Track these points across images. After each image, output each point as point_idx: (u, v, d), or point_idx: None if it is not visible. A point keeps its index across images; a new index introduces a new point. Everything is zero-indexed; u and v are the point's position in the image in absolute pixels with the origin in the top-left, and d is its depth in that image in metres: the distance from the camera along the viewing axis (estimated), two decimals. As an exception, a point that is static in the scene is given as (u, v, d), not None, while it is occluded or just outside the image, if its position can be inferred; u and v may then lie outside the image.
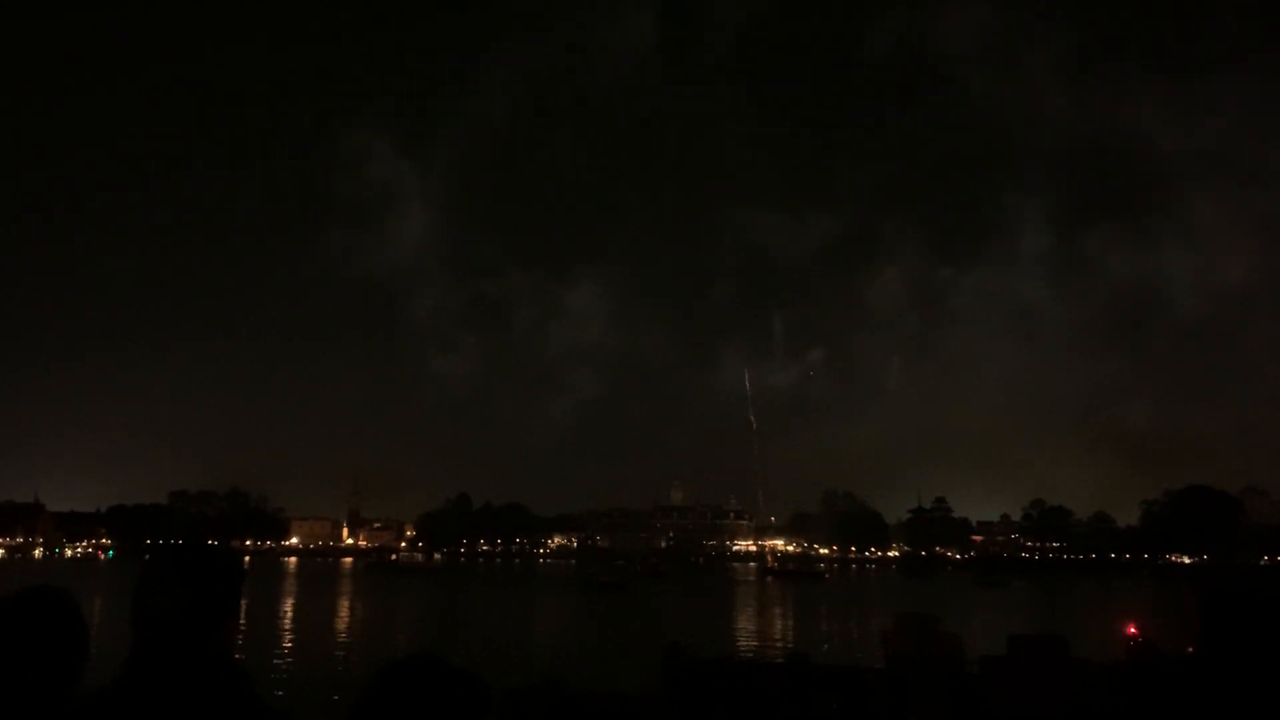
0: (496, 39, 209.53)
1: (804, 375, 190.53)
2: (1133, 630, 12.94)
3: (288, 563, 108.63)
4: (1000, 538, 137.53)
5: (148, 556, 1.67)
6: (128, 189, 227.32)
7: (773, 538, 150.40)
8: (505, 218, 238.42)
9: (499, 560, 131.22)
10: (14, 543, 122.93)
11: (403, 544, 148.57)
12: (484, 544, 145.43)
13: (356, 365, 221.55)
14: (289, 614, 37.62)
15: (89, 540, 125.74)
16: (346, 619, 36.75)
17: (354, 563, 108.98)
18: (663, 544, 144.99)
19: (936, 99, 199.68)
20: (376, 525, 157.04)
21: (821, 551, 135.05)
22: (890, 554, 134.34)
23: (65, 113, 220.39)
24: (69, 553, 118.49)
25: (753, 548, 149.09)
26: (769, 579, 78.38)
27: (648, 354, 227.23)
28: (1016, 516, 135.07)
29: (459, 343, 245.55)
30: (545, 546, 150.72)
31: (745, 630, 32.14)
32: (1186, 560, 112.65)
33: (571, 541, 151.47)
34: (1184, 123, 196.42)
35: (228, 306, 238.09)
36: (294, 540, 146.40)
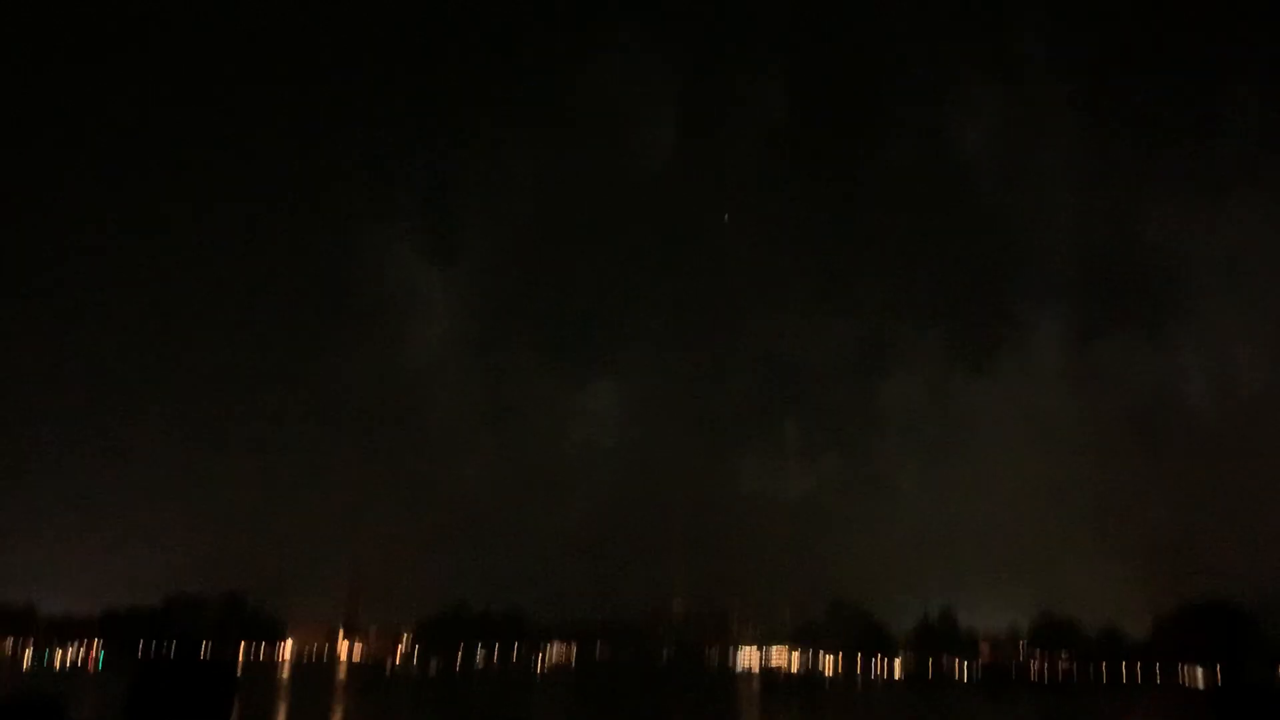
0: (520, 141, 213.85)
1: (816, 481, 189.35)
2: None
3: (282, 669, 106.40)
4: (1008, 649, 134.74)
5: (138, 671, 1.63)
6: (133, 285, 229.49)
7: (778, 648, 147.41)
8: (523, 318, 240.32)
9: (497, 668, 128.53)
10: (4, 653, 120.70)
11: (400, 649, 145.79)
12: (482, 650, 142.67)
13: (361, 464, 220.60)
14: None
15: (81, 643, 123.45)
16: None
17: (349, 670, 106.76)
18: (664, 654, 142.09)
19: (953, 206, 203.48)
20: (373, 630, 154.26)
21: (827, 659, 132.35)
22: (897, 664, 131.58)
23: (70, 203, 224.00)
24: (59, 660, 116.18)
25: (756, 659, 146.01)
26: (774, 693, 76.62)
27: (659, 458, 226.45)
28: (1025, 626, 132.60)
29: (468, 443, 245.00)
30: (544, 654, 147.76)
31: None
32: (1200, 676, 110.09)
33: (570, 653, 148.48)
34: (1198, 232, 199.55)
35: (232, 405, 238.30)
36: (289, 645, 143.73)
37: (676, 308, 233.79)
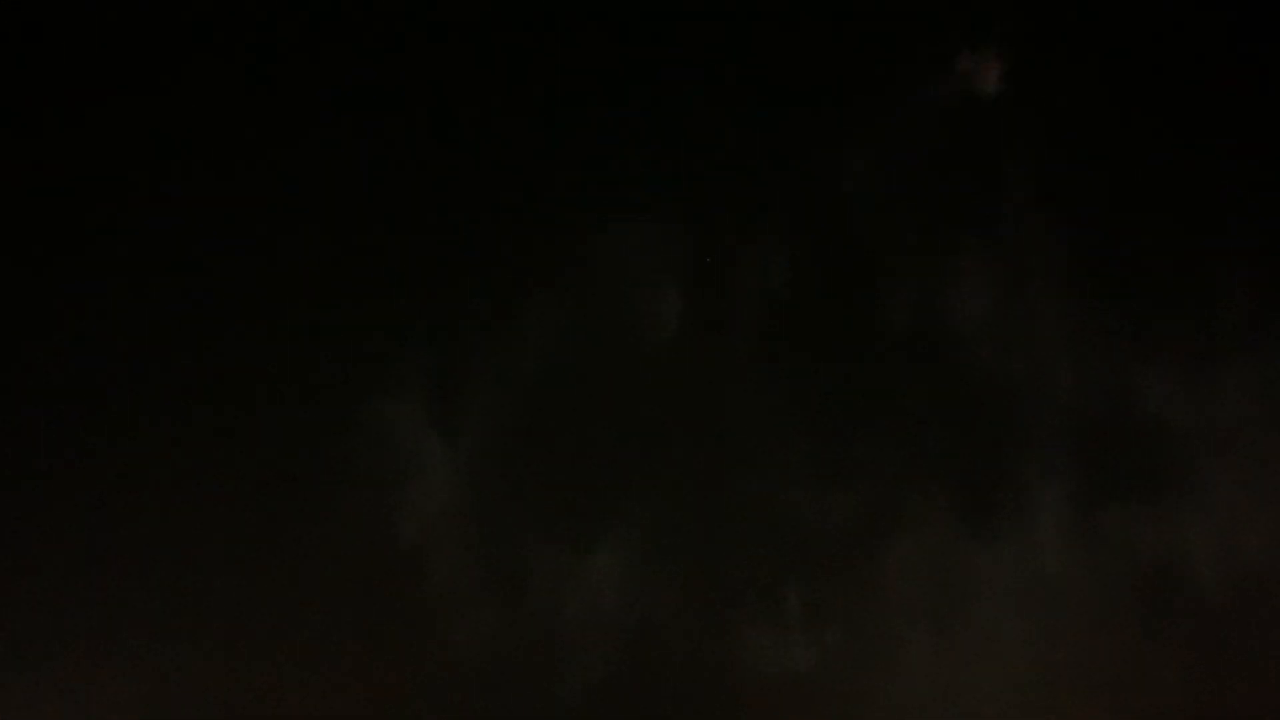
0: (526, 308, 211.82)
1: (818, 654, 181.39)
2: None
3: None
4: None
5: None
6: (119, 495, 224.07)
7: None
8: (524, 486, 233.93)
9: None
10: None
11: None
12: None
13: (346, 636, 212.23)
14: None
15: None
16: None
17: None
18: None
19: (950, 373, 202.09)
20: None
21: None
22: None
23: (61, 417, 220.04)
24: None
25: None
26: None
27: (657, 630, 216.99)
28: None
29: (461, 615, 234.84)
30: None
31: None
32: None
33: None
34: (1195, 403, 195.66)
35: (222, 577, 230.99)
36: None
37: (679, 476, 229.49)
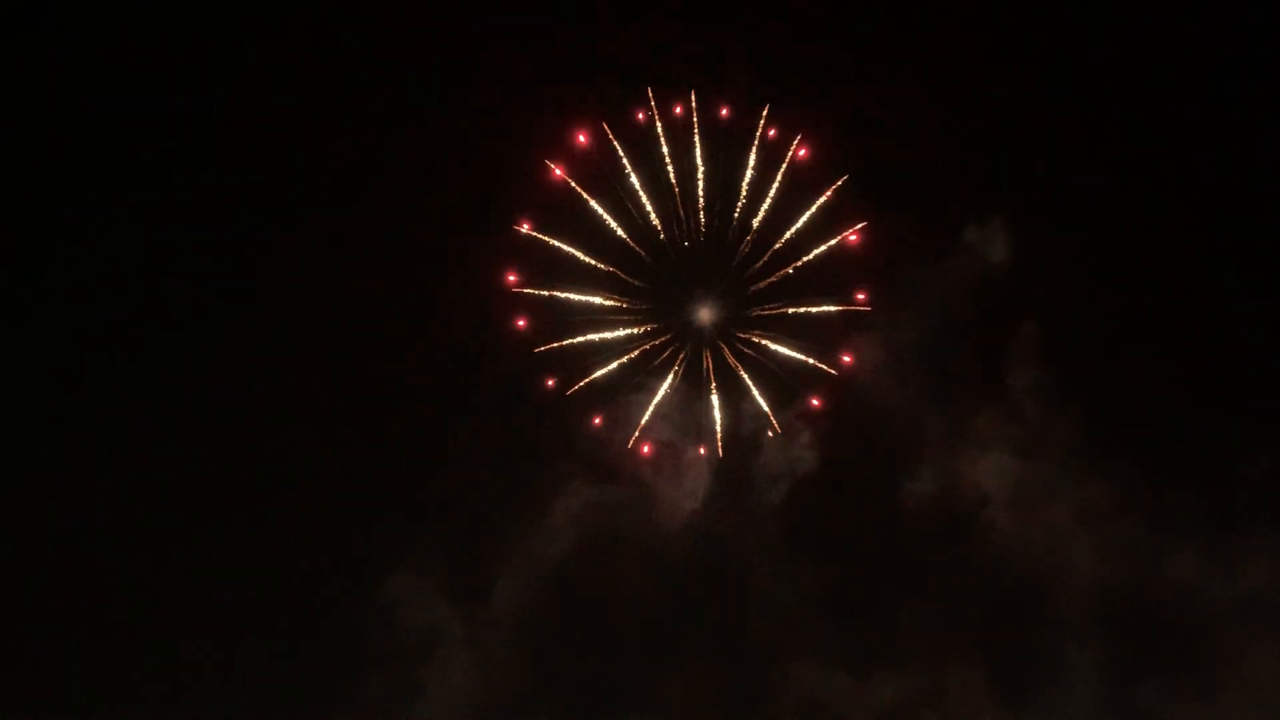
0: (553, 487, 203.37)
1: None
2: None
3: None
4: None
5: None
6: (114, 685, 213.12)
7: None
8: (546, 671, 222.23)
9: None
10: None
11: None
12: None
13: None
14: None
15: None
16: None
17: None
18: None
19: (975, 549, 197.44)
20: None
21: None
22: None
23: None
24: None
25: None
26: None
27: None
28: None
29: None
30: None
31: None
32: None
33: None
34: (1219, 571, 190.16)
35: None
36: None
37: (705, 662, 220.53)
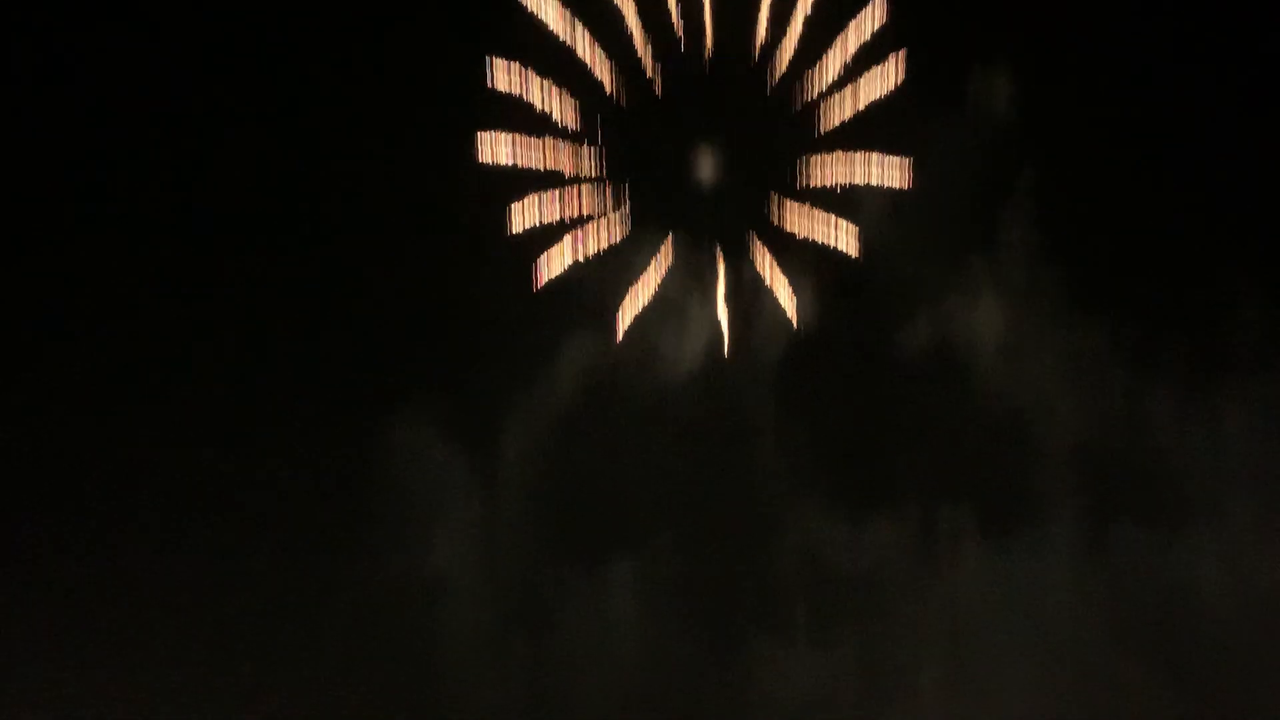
0: (562, 333, 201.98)
1: (825, 675, 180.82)
2: None
3: None
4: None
5: None
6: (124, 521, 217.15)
7: None
8: (550, 514, 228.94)
9: None
10: None
11: None
12: None
13: (381, 661, 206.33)
14: None
15: None
16: None
17: None
18: None
19: (964, 397, 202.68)
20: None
21: None
22: None
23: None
24: None
25: None
26: None
27: (672, 654, 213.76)
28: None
29: (488, 638, 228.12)
30: None
31: None
32: None
33: None
34: (1202, 420, 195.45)
35: (247, 604, 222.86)
36: None
37: (702, 504, 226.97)
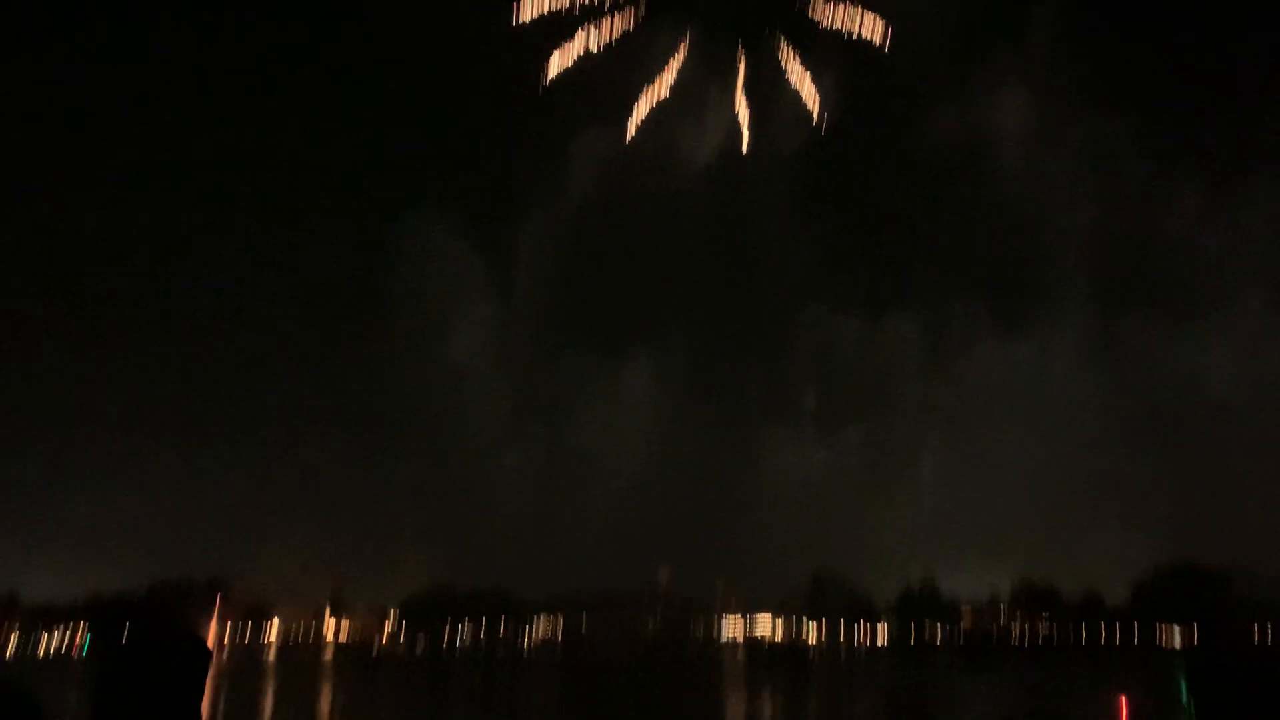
0: (571, 129, 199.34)
1: (830, 454, 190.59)
2: (1125, 700, 12.76)
3: (268, 651, 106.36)
4: (989, 616, 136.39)
5: (109, 649, 1.63)
6: (137, 267, 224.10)
7: (761, 619, 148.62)
8: (566, 303, 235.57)
9: (483, 645, 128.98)
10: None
11: (385, 630, 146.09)
12: (468, 627, 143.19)
13: (344, 454, 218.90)
14: (267, 707, 36.70)
15: (65, 630, 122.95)
16: (326, 713, 35.88)
17: (334, 655, 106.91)
18: (650, 628, 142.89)
19: (983, 183, 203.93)
20: (358, 612, 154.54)
21: (810, 631, 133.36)
22: (880, 634, 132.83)
23: (78, 171, 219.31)
24: (43, 648, 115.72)
25: (741, 631, 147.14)
26: (758, 664, 77.29)
27: (684, 439, 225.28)
28: (1005, 593, 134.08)
29: (505, 427, 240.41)
30: (530, 632, 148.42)
31: (735, 717, 31.54)
32: (1178, 636, 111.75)
33: (557, 626, 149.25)
34: (1221, 216, 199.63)
35: (234, 391, 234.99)
36: (274, 630, 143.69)
37: (715, 294, 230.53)
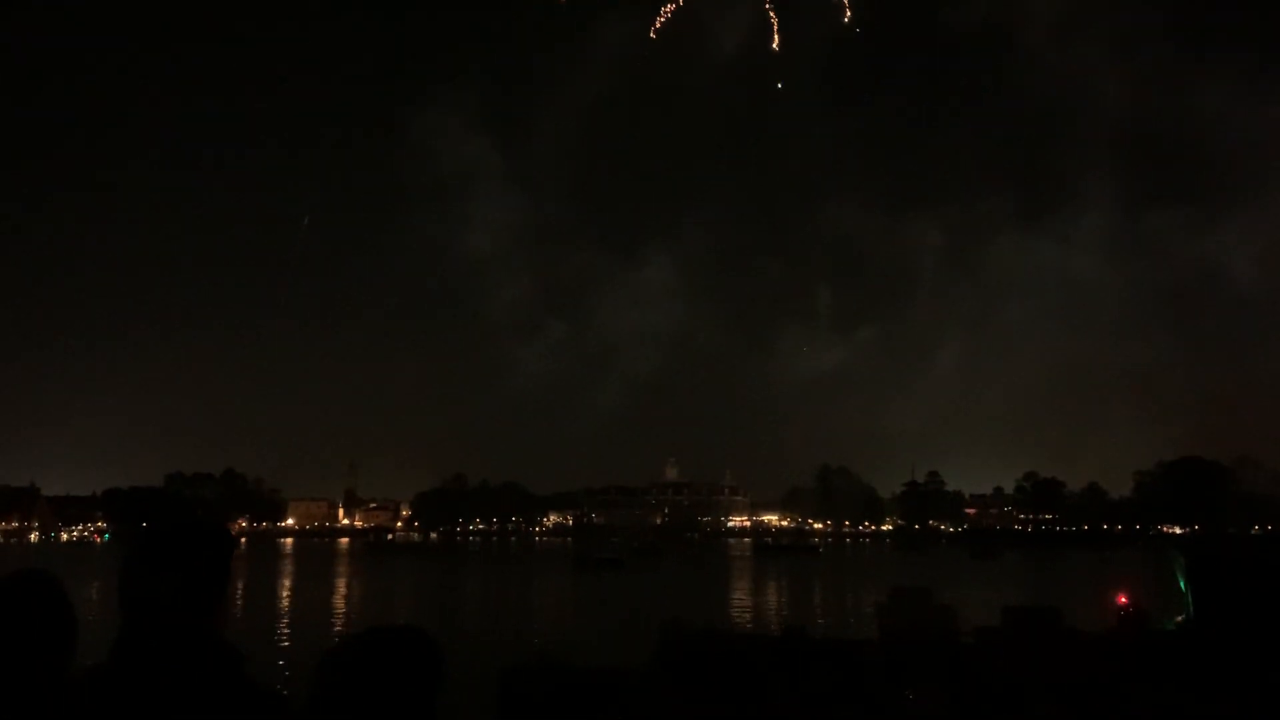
0: (593, 20, 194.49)
1: (848, 352, 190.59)
2: (1123, 600, 13.04)
3: (284, 543, 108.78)
4: (993, 510, 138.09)
5: (135, 537, 1.67)
6: (160, 168, 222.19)
7: (768, 513, 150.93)
8: (585, 198, 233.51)
9: (495, 539, 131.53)
10: (9, 527, 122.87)
11: (399, 524, 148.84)
12: (479, 523, 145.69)
13: (359, 347, 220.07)
14: (285, 594, 37.75)
15: (85, 524, 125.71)
16: (343, 599, 36.86)
17: (350, 543, 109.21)
18: (659, 520, 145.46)
19: (1011, 74, 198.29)
20: (372, 505, 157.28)
21: (816, 526, 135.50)
22: (884, 528, 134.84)
23: (89, 81, 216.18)
24: (65, 537, 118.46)
25: (748, 523, 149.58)
26: (764, 553, 78.79)
27: (701, 337, 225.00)
28: (1010, 489, 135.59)
29: (523, 324, 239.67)
30: (541, 525, 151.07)
31: (741, 606, 32.29)
32: (1178, 530, 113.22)
33: (568, 519, 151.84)
34: (1253, 104, 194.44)
35: (236, 290, 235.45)
36: (290, 521, 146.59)
37: (735, 191, 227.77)
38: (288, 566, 59.95)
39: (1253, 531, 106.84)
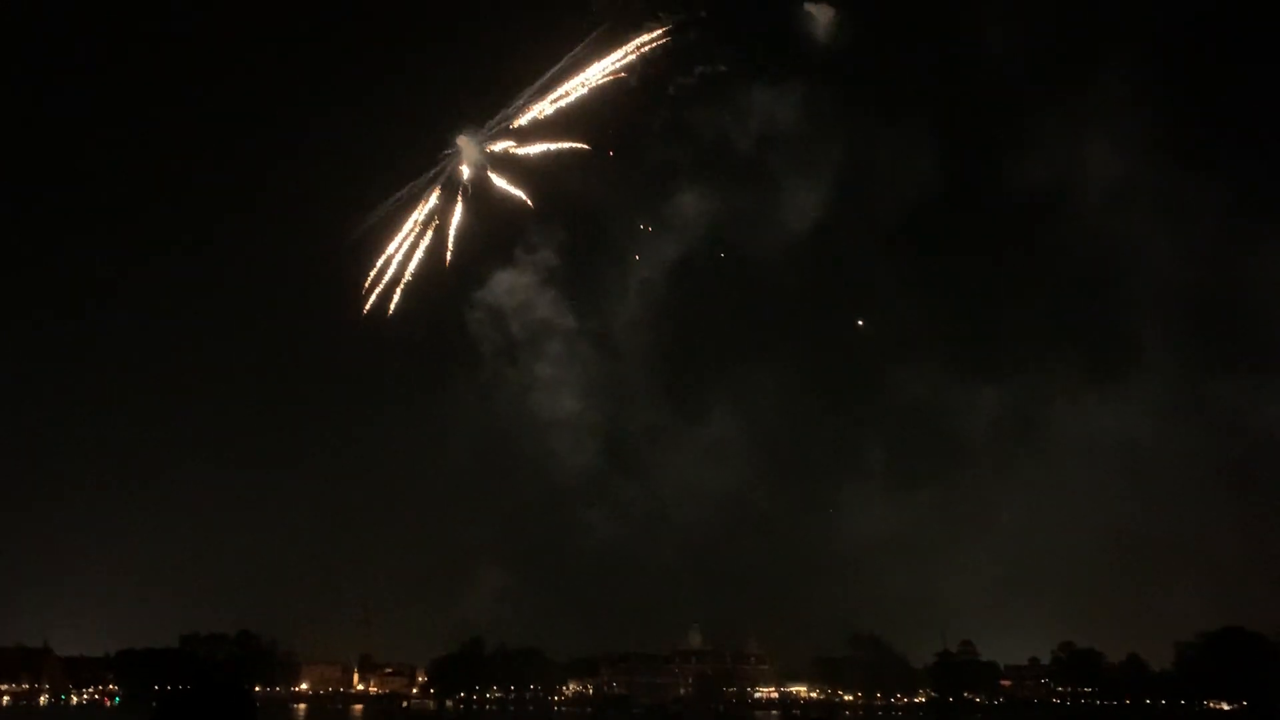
0: (676, 194, 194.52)
1: (907, 514, 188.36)
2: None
3: (298, 709, 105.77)
4: (1028, 682, 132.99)
5: (156, 703, 1.64)
6: (158, 302, 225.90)
7: (795, 683, 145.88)
8: (649, 359, 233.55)
9: (513, 708, 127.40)
10: (20, 689, 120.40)
11: (414, 690, 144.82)
12: (497, 690, 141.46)
13: (373, 503, 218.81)
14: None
15: (96, 686, 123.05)
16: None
17: (364, 709, 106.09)
18: (681, 690, 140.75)
19: (1073, 239, 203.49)
20: (388, 670, 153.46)
21: (846, 698, 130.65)
22: (917, 699, 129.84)
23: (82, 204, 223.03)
24: (75, 699, 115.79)
25: (775, 694, 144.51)
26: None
27: (754, 494, 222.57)
28: (1046, 659, 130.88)
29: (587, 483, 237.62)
30: (561, 693, 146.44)
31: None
32: (1225, 706, 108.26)
33: (587, 688, 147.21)
34: None
35: (255, 448, 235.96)
36: (304, 685, 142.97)
37: (800, 352, 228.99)
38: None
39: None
